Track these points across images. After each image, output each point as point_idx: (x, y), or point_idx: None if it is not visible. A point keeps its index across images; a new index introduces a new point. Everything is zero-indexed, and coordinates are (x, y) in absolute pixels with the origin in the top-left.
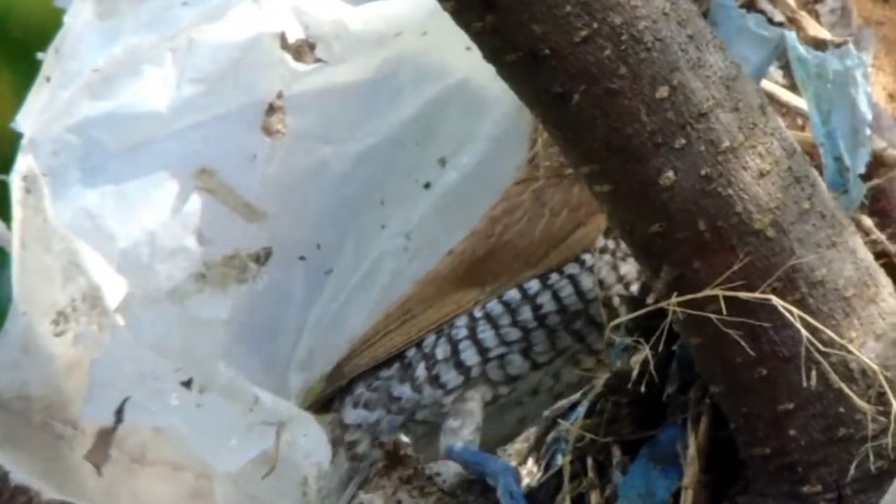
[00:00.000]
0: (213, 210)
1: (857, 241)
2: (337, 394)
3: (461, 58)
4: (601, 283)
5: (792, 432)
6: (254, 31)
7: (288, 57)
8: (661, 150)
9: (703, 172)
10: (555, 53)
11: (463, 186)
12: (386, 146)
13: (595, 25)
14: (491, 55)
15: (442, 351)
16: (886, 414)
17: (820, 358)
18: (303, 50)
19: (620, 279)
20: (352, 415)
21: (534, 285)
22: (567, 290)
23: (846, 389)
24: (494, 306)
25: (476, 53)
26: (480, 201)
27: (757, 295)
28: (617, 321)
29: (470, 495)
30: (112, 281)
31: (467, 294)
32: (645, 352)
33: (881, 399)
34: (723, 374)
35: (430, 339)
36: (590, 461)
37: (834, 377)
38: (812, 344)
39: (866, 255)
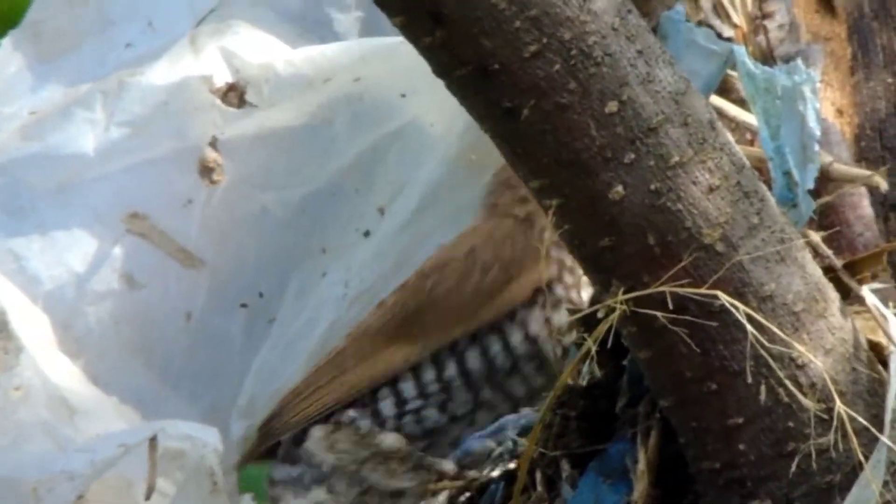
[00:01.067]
0: (145, 255)
1: (807, 256)
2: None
3: (396, 104)
4: (531, 338)
5: (741, 446)
6: (182, 75)
7: (218, 101)
8: (611, 164)
9: (652, 187)
10: (504, 68)
11: (401, 235)
12: (325, 193)
13: (544, 40)
14: (440, 70)
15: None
16: (835, 428)
17: (770, 372)
18: (232, 94)
19: (551, 333)
20: (279, 471)
21: (462, 342)
22: (496, 347)
23: (795, 403)
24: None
25: (412, 99)
26: (419, 249)
27: (705, 290)
28: (570, 320)
29: (404, 465)
30: (35, 322)
31: (399, 351)
32: (595, 366)
33: (830, 413)
34: (672, 388)
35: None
36: (539, 475)
37: (783, 391)
38: (761, 358)
39: (815, 270)
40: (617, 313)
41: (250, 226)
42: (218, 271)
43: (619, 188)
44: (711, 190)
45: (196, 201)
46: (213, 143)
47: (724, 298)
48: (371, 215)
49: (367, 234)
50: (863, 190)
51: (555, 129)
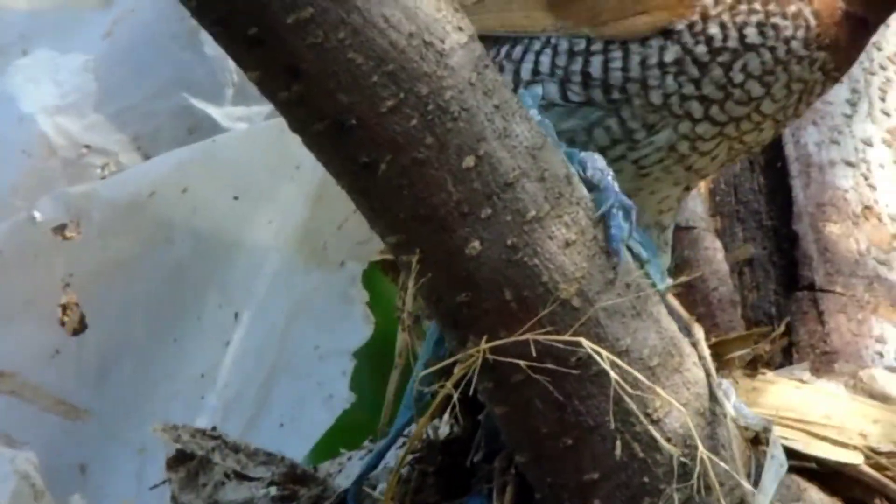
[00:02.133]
0: (21, 412)
1: (662, 311)
2: None
3: (230, 208)
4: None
5: (597, 502)
6: (11, 220)
7: (57, 239)
8: (468, 219)
9: (509, 242)
10: (361, 123)
11: (257, 335)
12: (191, 315)
13: (402, 95)
14: (297, 125)
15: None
16: (690, 483)
17: (626, 427)
18: (65, 228)
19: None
20: None
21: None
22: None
23: (651, 458)
24: (560, 41)
25: (245, 200)
26: (276, 345)
27: (568, 337)
28: (428, 371)
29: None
30: None
31: (546, 18)
32: (452, 424)
33: (685, 468)
34: (528, 444)
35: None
36: None
37: (638, 447)
38: (617, 413)
39: (670, 325)
40: (479, 362)
41: (125, 366)
42: (105, 417)
43: (476, 243)
44: (568, 244)
45: (64, 351)
46: (67, 288)
47: (588, 345)
48: (229, 323)
49: (227, 343)
50: (718, 244)
51: (412, 184)
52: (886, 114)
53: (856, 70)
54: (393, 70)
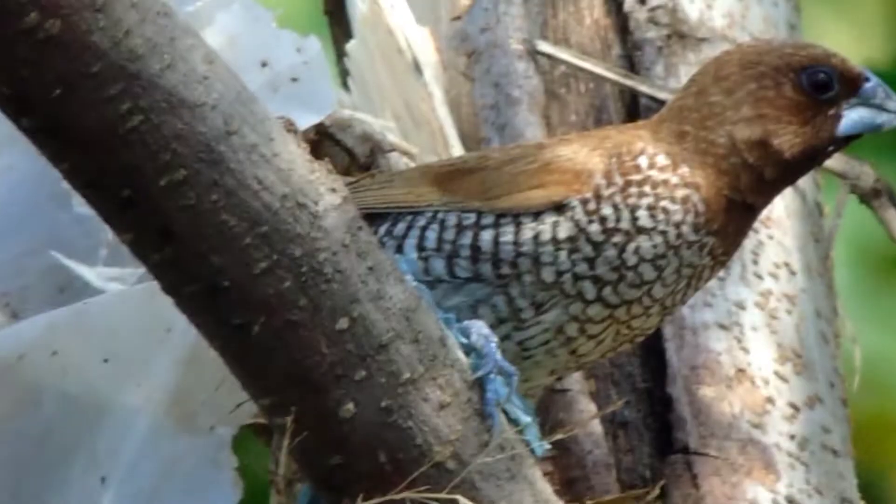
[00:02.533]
0: None
1: (536, 473)
2: None
3: (100, 371)
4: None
5: None
6: None
7: None
8: (342, 381)
9: (383, 404)
10: (234, 285)
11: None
12: (48, 477)
13: (275, 257)
14: (170, 287)
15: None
16: None
17: None
18: None
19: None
20: None
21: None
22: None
23: None
24: (448, 216)
25: (115, 363)
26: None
27: (443, 495)
28: None
29: None
30: None
31: (431, 193)
32: None
33: None
34: None
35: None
36: None
37: None
38: None
39: (545, 487)
40: None
41: None
42: None
43: (350, 406)
44: (442, 407)
45: None
46: None
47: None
48: (96, 488)
49: None
50: (592, 407)
51: (286, 347)
52: (759, 276)
53: None
54: (266, 232)
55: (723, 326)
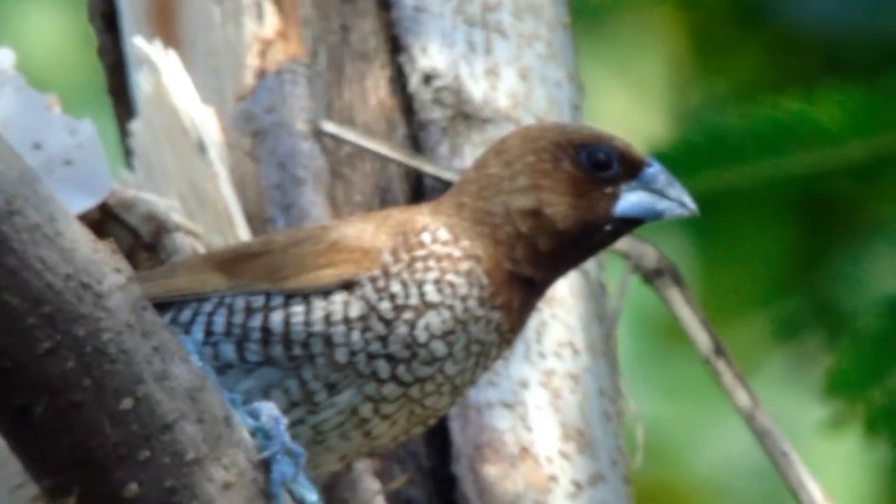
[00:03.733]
0: None
1: None
2: None
3: None
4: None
5: None
6: None
7: None
8: (126, 462)
9: (167, 484)
10: (17, 366)
11: None
12: None
13: (58, 338)
14: None
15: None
16: None
17: None
18: None
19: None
20: None
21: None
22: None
23: None
24: (235, 300)
25: None
26: None
27: None
28: None
29: None
30: None
31: (216, 279)
32: None
33: None
34: None
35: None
36: None
37: None
38: None
39: None
40: None
41: None
42: None
43: (134, 486)
44: (227, 487)
45: None
46: None
47: None
48: None
49: None
50: (377, 486)
51: (69, 428)
52: (543, 356)
53: None
54: (50, 312)
55: (507, 405)
